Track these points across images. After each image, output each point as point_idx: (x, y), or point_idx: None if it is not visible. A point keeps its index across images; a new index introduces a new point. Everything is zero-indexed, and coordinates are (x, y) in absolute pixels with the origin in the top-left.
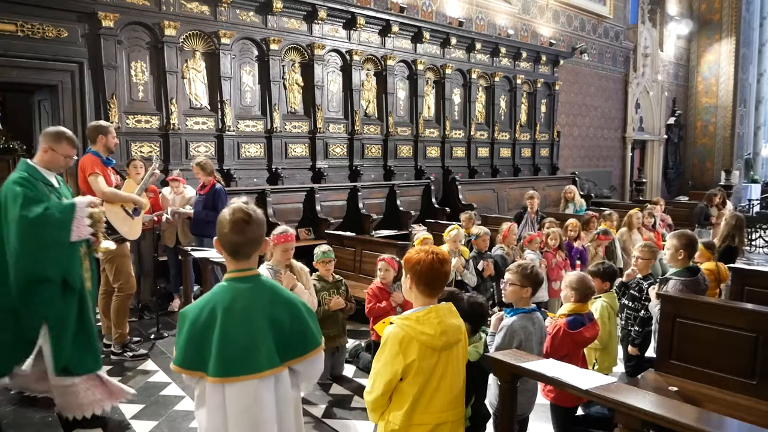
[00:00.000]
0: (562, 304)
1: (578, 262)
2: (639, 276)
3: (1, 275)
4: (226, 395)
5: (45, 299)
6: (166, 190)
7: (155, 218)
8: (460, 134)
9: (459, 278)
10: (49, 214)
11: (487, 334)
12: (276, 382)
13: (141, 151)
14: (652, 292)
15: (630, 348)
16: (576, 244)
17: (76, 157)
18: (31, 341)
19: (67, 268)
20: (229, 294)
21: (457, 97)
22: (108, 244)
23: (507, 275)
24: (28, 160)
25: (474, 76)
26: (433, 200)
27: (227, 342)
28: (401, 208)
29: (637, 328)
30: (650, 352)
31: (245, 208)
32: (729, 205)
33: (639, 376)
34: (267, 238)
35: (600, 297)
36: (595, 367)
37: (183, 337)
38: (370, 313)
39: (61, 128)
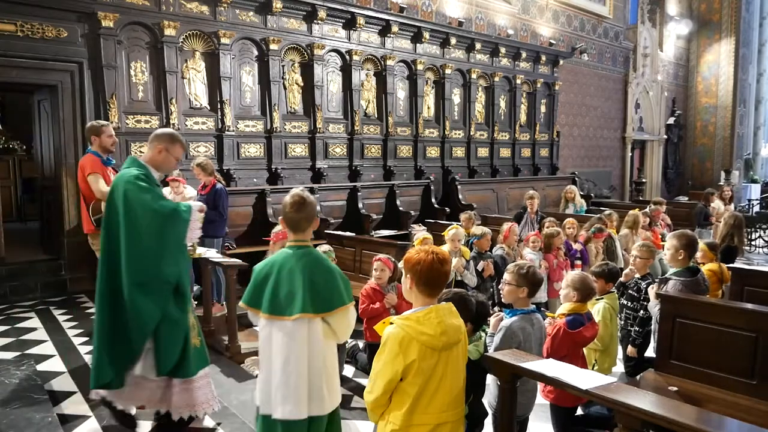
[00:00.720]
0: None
1: (578, 262)
2: (637, 276)
3: (112, 283)
4: (272, 330)
5: (159, 300)
6: (166, 190)
7: None
8: (459, 134)
9: (459, 278)
10: (180, 212)
11: (487, 334)
12: (309, 326)
13: (141, 152)
14: (652, 292)
15: (629, 349)
16: (576, 246)
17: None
18: (138, 349)
19: (182, 270)
20: (285, 257)
21: (456, 97)
22: (202, 250)
23: (504, 275)
24: (138, 158)
25: (474, 76)
26: (433, 200)
27: (275, 290)
28: (401, 208)
29: (637, 329)
30: (650, 352)
31: (301, 193)
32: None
33: (639, 376)
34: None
35: (602, 299)
36: (595, 368)
37: (250, 283)
38: (363, 314)
39: (173, 131)
